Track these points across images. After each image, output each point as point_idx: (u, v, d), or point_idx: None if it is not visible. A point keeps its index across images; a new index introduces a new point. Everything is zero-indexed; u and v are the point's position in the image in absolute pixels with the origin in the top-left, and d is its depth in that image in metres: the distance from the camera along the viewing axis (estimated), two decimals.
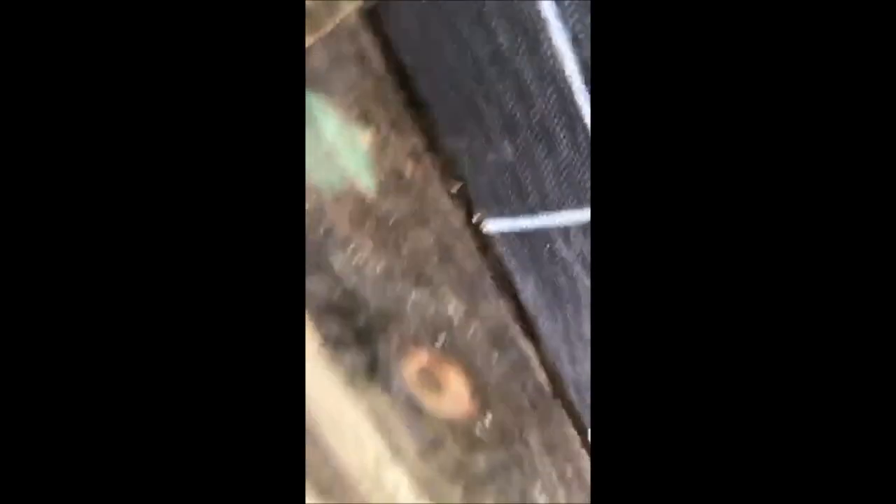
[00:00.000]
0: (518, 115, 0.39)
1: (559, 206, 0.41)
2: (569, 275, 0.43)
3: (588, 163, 0.37)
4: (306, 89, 0.48)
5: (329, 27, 0.43)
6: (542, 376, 0.51)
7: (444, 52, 0.39)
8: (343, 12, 0.42)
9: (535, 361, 0.50)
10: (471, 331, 0.53)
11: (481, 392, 0.56)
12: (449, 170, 0.45)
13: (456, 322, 0.53)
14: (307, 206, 0.57)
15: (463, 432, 0.62)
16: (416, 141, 0.44)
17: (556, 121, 0.37)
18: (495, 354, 0.53)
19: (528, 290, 0.47)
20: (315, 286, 0.65)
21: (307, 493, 1.12)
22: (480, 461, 0.63)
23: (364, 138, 0.47)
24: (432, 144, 0.44)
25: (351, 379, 0.72)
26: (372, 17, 0.41)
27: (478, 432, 0.60)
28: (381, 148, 0.47)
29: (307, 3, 0.42)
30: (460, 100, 0.41)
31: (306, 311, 0.70)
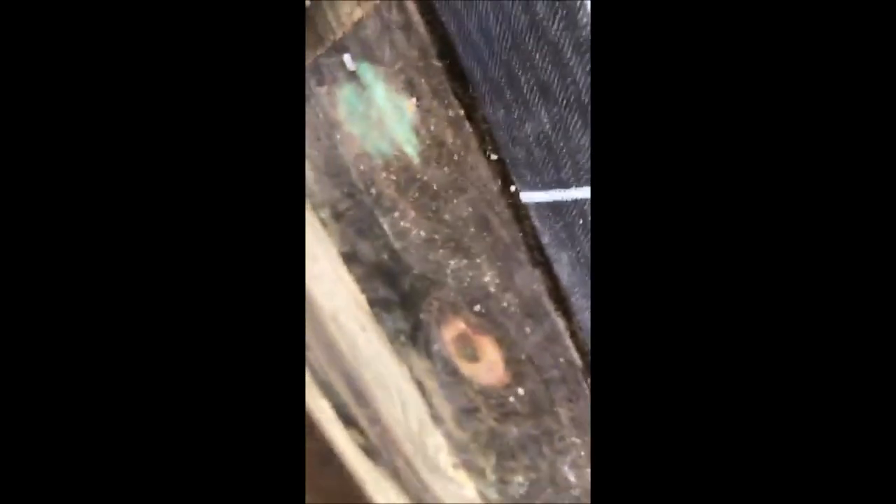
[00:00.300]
0: (554, 85, 0.38)
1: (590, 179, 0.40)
2: None
3: None
4: (362, 59, 0.50)
5: None
6: (573, 351, 0.51)
7: (484, 21, 0.40)
8: None
9: (566, 335, 0.51)
10: (505, 301, 0.54)
11: (514, 362, 0.57)
12: (487, 139, 0.45)
13: (492, 291, 0.54)
14: (360, 168, 0.60)
15: (497, 401, 0.63)
16: (456, 110, 0.45)
17: (590, 91, 0.37)
18: (528, 326, 0.53)
19: (562, 263, 0.47)
20: (364, 248, 0.68)
21: (356, 450, 1.19)
22: (513, 431, 0.64)
23: (409, 106, 0.49)
24: (471, 114, 0.45)
25: (395, 341, 0.75)
26: None
27: (511, 402, 0.61)
28: (424, 116, 0.48)
29: None
30: (499, 69, 0.41)
31: (357, 270, 0.73)
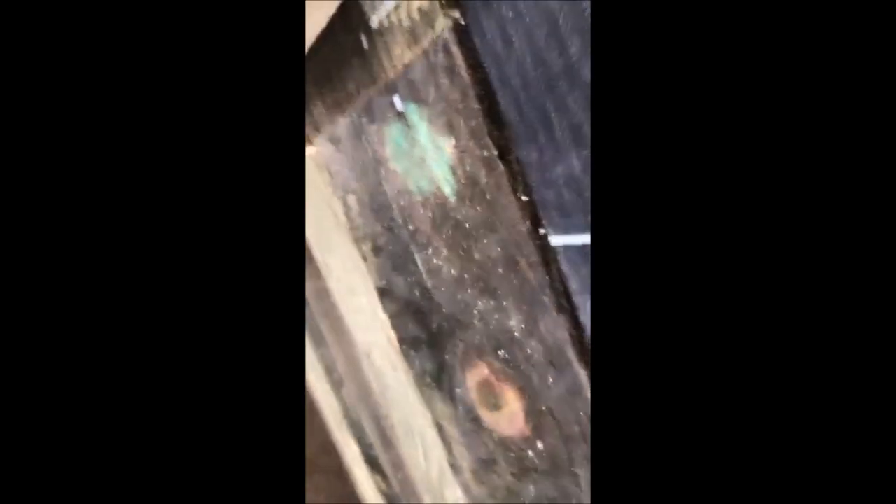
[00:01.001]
0: (585, 128, 0.39)
1: None
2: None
3: None
4: (409, 100, 0.53)
5: (427, 41, 0.47)
6: (589, 406, 0.48)
7: (522, 64, 0.41)
8: (440, 26, 0.45)
9: (587, 389, 0.48)
10: (529, 347, 0.52)
11: (535, 414, 0.55)
12: (519, 180, 0.46)
13: (517, 335, 0.53)
14: (401, 204, 0.61)
15: (515, 454, 0.60)
16: (490, 150, 0.46)
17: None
18: (551, 376, 0.51)
19: (588, 311, 0.46)
20: (398, 284, 0.69)
21: (378, 497, 1.15)
22: (530, 490, 0.60)
23: (448, 146, 0.50)
24: (505, 154, 0.45)
25: (421, 382, 0.74)
26: (462, 31, 0.44)
27: (529, 457, 0.58)
28: (461, 156, 0.49)
29: (409, 19, 0.47)
30: (534, 111, 0.42)
31: (391, 307, 0.74)
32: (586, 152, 0.40)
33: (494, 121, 0.45)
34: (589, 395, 0.49)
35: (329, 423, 1.36)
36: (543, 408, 0.53)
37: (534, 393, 0.54)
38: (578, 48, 0.36)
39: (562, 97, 0.39)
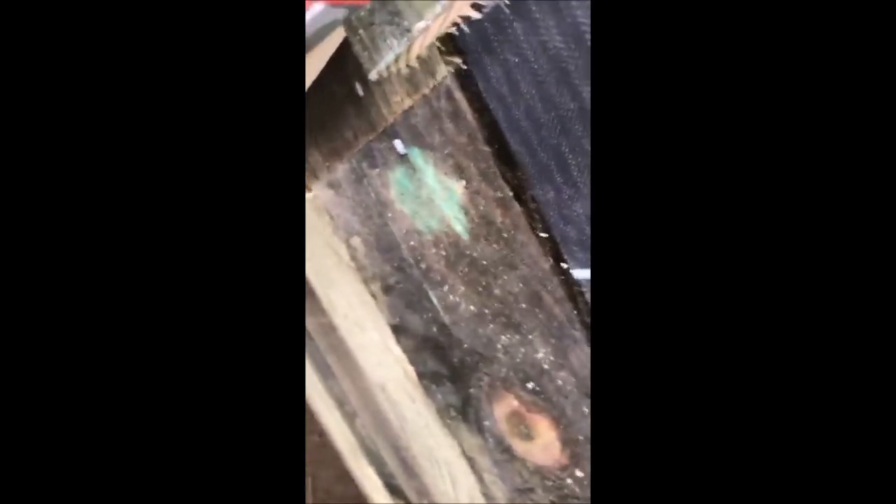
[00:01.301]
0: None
1: None
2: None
3: None
4: (412, 144, 0.52)
5: (428, 88, 0.47)
6: None
7: (532, 109, 0.41)
8: (441, 74, 0.45)
9: None
10: (560, 379, 0.52)
11: (571, 443, 0.55)
12: (537, 218, 0.45)
13: (546, 368, 0.53)
14: (410, 244, 0.61)
15: (553, 483, 0.60)
16: (504, 191, 0.46)
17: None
18: (586, 406, 0.51)
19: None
20: (413, 321, 0.68)
21: None
22: None
23: (458, 188, 0.50)
24: (520, 194, 0.45)
25: (445, 415, 0.73)
26: (466, 77, 0.44)
27: (569, 484, 0.58)
28: (472, 197, 0.49)
29: (407, 68, 0.46)
30: (547, 153, 0.42)
31: (406, 342, 0.73)
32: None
33: (506, 162, 0.45)
34: None
35: (344, 453, 1.34)
36: (580, 437, 0.53)
37: (568, 423, 0.54)
38: (590, 91, 0.36)
39: (576, 138, 0.39)
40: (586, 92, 0.37)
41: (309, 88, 0.58)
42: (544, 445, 0.58)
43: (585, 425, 0.52)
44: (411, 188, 0.56)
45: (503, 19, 0.38)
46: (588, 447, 0.54)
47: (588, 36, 0.34)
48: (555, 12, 0.35)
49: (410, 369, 0.76)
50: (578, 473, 0.56)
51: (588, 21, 0.34)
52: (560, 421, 0.55)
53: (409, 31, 0.42)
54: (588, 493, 0.56)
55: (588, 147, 0.39)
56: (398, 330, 0.73)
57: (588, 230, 0.42)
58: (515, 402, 0.59)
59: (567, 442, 0.55)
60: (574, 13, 0.34)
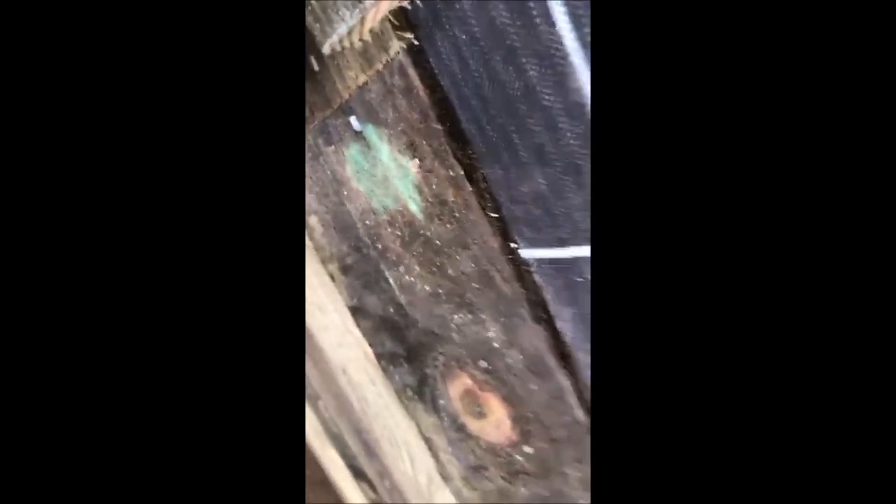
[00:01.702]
0: (548, 147, 0.39)
1: (589, 238, 0.40)
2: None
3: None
4: (367, 120, 0.52)
5: (381, 63, 0.46)
6: (578, 410, 0.50)
7: (481, 87, 0.41)
8: (394, 49, 0.45)
9: (571, 394, 0.49)
10: (510, 357, 0.53)
11: (521, 420, 0.56)
12: (487, 197, 0.46)
13: (496, 346, 0.54)
14: (366, 223, 0.61)
15: (504, 459, 0.61)
16: (456, 170, 0.46)
17: (583, 154, 0.37)
18: (534, 383, 0.52)
19: (565, 320, 0.47)
20: (371, 301, 0.68)
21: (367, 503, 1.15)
22: (522, 491, 0.62)
23: (412, 166, 0.50)
24: (471, 174, 0.46)
25: (403, 395, 0.74)
26: (418, 53, 0.44)
27: (519, 460, 0.59)
28: (426, 176, 0.49)
29: (361, 42, 0.46)
30: (496, 132, 0.42)
31: (365, 324, 0.73)
32: (550, 170, 0.40)
33: (457, 140, 0.45)
34: (573, 398, 0.50)
35: (308, 436, 1.34)
36: (529, 414, 0.54)
37: (518, 400, 0.55)
38: (537, 72, 0.37)
39: (522, 119, 0.39)
40: (533, 70, 0.37)
41: None
42: (496, 423, 0.59)
43: (533, 402, 0.53)
44: (367, 166, 0.56)
45: None
46: (537, 425, 0.55)
47: (535, 12, 0.35)
48: None
49: (370, 350, 0.76)
50: (527, 449, 0.57)
51: None
52: (510, 399, 0.55)
53: (361, 1, 0.41)
54: (536, 469, 0.58)
55: (534, 127, 0.39)
56: (356, 311, 0.73)
57: (535, 211, 0.43)
58: (469, 381, 0.60)
59: (517, 419, 0.56)
60: None
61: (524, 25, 0.35)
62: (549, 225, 0.43)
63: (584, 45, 0.33)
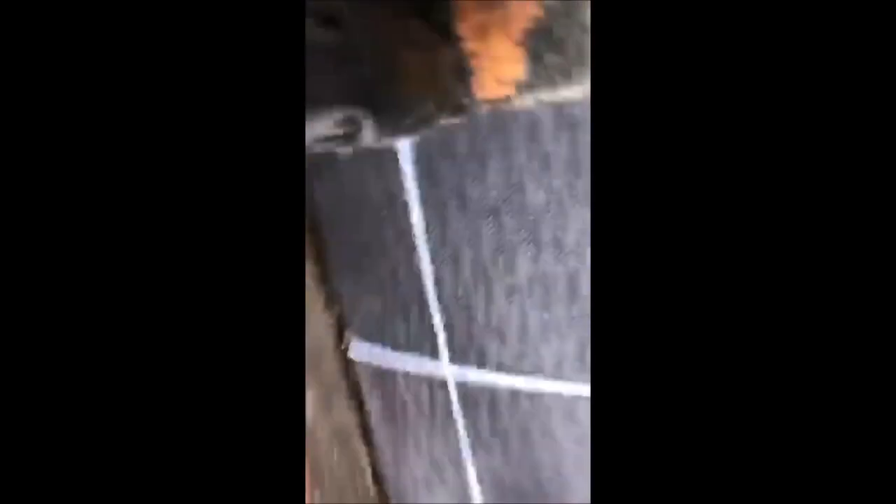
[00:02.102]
0: (386, 276, 0.51)
1: (409, 351, 0.52)
2: (403, 403, 0.54)
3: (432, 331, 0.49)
4: None
5: None
6: (369, 480, 0.59)
7: (343, 208, 0.51)
8: None
9: (367, 465, 0.59)
10: (322, 428, 0.61)
11: (321, 487, 0.63)
12: (332, 299, 0.55)
13: (310, 416, 0.61)
14: None
15: None
16: (314, 270, 0.55)
17: (411, 288, 0.50)
18: (336, 453, 0.61)
19: (374, 407, 0.57)
20: None
21: None
22: None
23: None
24: (324, 276, 0.55)
25: None
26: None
27: None
28: None
29: None
30: (354, 247, 0.52)
31: None
32: (388, 295, 0.52)
33: (319, 247, 0.54)
34: (367, 468, 0.59)
35: None
36: (328, 481, 0.62)
37: (321, 467, 0.63)
38: (383, 196, 0.47)
39: (384, 242, 0.50)
40: (378, 196, 0.48)
41: None
42: None
43: (334, 471, 0.61)
44: None
45: None
46: (333, 490, 0.62)
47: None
48: None
49: None
50: None
51: None
52: (314, 465, 0.63)
53: None
54: None
55: (385, 249, 0.50)
56: None
57: (371, 322, 0.53)
58: None
59: (316, 483, 0.63)
60: None
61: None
62: (377, 335, 0.53)
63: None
